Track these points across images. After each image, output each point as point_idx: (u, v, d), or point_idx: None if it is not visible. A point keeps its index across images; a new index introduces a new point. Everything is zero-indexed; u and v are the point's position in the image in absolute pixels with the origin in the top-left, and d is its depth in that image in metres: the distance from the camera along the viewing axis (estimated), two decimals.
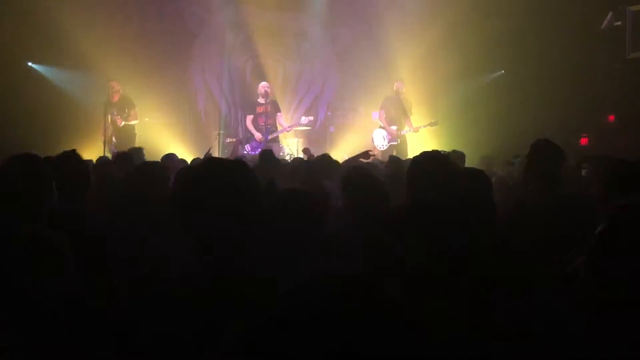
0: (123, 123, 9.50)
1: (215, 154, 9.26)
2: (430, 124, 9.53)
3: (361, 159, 5.77)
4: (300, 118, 9.86)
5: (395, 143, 9.52)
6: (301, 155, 9.87)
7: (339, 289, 0.63)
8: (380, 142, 9.60)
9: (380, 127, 9.75)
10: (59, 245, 1.57)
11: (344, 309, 0.60)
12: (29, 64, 10.17)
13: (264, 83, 9.82)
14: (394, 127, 9.61)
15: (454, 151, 5.76)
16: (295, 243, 2.18)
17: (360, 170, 3.86)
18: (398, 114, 9.66)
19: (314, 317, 0.60)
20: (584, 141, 9.13)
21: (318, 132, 11.23)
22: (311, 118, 9.79)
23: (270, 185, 3.19)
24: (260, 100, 9.64)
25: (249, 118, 9.75)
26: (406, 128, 9.64)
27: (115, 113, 9.51)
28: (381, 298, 0.63)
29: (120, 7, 10.96)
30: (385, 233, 1.84)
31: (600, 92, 8.83)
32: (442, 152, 2.50)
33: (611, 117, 9.15)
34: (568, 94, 8.99)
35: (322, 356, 0.57)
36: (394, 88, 9.80)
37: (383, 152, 9.12)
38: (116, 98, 9.63)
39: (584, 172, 4.57)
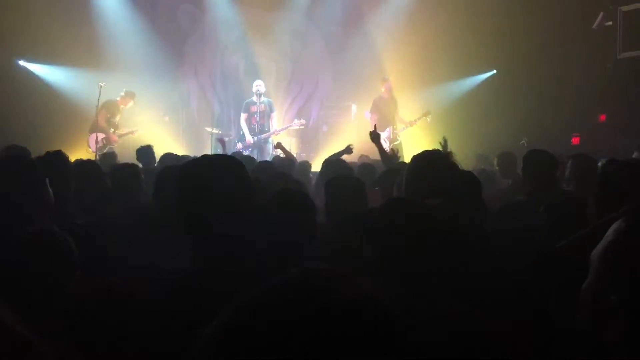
0: (137, 133, 9.68)
1: (209, 152, 9.23)
2: (424, 115, 9.55)
3: (344, 155, 5.71)
4: (293, 121, 9.89)
5: (397, 142, 9.54)
6: (294, 155, 9.90)
7: (316, 286, 0.62)
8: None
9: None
10: (67, 243, 1.57)
11: (321, 306, 0.60)
12: (19, 62, 10.09)
13: (258, 81, 9.80)
14: (387, 129, 9.63)
15: (503, 153, 5.78)
16: (291, 241, 2.18)
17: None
18: (392, 114, 9.67)
19: (288, 315, 0.59)
20: (575, 140, 9.18)
21: (311, 132, 11.23)
22: (303, 121, 9.81)
23: (255, 182, 3.19)
24: (254, 99, 9.62)
25: (243, 116, 9.74)
26: (402, 125, 9.66)
27: (118, 120, 9.67)
28: (362, 295, 0.63)
29: (112, 5, 10.89)
30: (366, 234, 1.83)
31: (592, 92, 8.88)
32: (443, 152, 2.47)
33: (602, 117, 9.20)
34: (560, 93, 9.04)
35: (300, 356, 0.56)
36: (383, 89, 9.80)
37: None
38: (125, 106, 9.76)
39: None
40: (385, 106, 9.71)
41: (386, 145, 9.62)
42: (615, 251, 1.03)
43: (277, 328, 0.58)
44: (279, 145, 7.24)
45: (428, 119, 9.72)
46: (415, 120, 9.55)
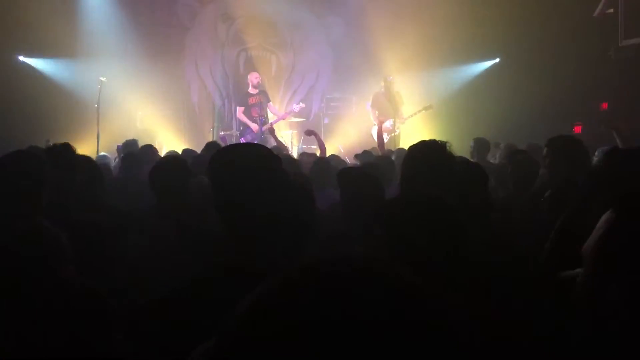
0: None
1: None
2: (425, 108, 9.51)
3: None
4: (293, 106, 9.85)
5: (395, 134, 9.53)
6: (295, 147, 9.89)
7: (355, 267, 0.61)
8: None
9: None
10: (57, 237, 1.57)
11: (359, 289, 0.59)
12: (19, 57, 10.08)
13: (254, 73, 9.79)
14: (388, 122, 9.59)
15: (530, 144, 5.67)
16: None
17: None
18: (393, 108, 9.65)
19: (324, 296, 0.58)
20: (577, 129, 9.14)
21: (312, 124, 11.17)
22: (303, 105, 9.77)
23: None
24: (252, 90, 9.60)
25: (240, 110, 9.70)
26: (400, 120, 9.64)
27: None
28: (402, 280, 0.62)
29: None
30: (377, 226, 1.82)
31: (594, 80, 8.84)
32: (440, 142, 2.45)
33: (604, 105, 9.16)
34: (562, 81, 9.00)
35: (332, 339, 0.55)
36: (383, 83, 9.76)
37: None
38: None
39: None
40: (386, 101, 9.68)
41: (385, 137, 9.60)
42: (607, 243, 1.01)
43: (309, 309, 0.57)
44: (311, 132, 6.95)
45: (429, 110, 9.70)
46: (411, 115, 9.54)
